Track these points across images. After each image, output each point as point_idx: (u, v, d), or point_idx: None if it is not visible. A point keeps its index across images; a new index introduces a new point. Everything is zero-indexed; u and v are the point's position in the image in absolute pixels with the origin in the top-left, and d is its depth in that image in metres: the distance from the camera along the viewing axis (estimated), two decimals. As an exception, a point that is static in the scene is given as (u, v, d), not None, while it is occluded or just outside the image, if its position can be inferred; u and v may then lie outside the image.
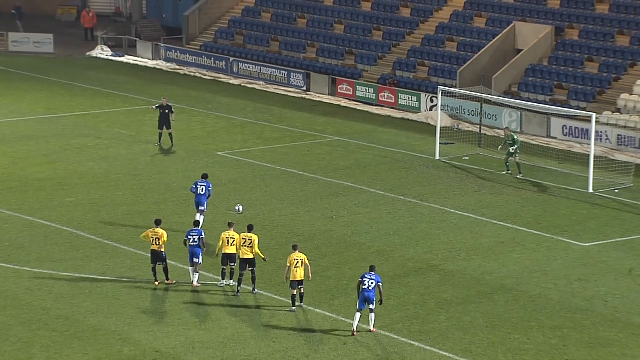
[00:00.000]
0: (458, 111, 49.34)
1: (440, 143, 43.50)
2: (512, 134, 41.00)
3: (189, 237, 29.37)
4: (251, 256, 28.71)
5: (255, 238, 28.85)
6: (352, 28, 58.56)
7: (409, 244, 32.93)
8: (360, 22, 58.74)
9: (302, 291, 27.93)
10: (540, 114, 46.73)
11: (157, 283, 29.43)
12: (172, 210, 35.44)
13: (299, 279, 27.75)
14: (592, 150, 39.27)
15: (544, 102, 48.27)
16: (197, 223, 29.77)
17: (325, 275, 30.06)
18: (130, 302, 28.29)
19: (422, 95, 51.39)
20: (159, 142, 44.28)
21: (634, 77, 48.02)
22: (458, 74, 51.81)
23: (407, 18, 57.47)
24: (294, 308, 27.81)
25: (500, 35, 52.60)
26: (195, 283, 29.26)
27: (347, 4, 60.27)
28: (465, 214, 35.99)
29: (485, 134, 46.19)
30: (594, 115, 40.00)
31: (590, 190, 38.78)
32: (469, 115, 48.98)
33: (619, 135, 44.76)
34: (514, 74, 50.92)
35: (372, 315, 26.58)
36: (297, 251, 27.96)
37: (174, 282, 29.53)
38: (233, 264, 29.03)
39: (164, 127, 44.13)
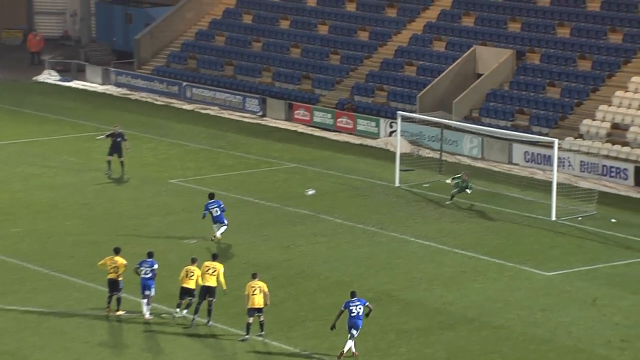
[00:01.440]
0: (418, 137, 49.61)
1: (400, 170, 43.68)
2: (468, 180, 40.33)
3: (142, 268, 29.28)
4: (214, 284, 28.78)
5: (220, 267, 28.98)
6: (309, 52, 58.80)
7: (369, 274, 33.01)
8: (317, 45, 59.01)
9: (262, 319, 27.92)
10: (502, 140, 47.09)
11: (108, 311, 29.28)
12: (123, 240, 35.25)
13: (256, 306, 27.80)
14: (555, 177, 39.63)
15: (505, 128, 48.67)
16: (150, 254, 29.70)
17: (282, 307, 30.04)
18: (79, 336, 28.06)
19: (381, 120, 51.63)
20: (109, 169, 44.05)
21: (595, 102, 48.59)
22: (418, 99, 52.15)
23: (365, 41, 57.83)
24: (247, 337, 27.78)
25: (460, 59, 53.07)
26: (147, 315, 29.14)
27: (303, 27, 60.55)
28: (426, 243, 36.15)
29: (445, 160, 46.46)
30: (556, 141, 40.40)
31: (553, 218, 39.10)
32: (429, 141, 49.25)
33: (581, 161, 45.21)
34: (475, 99, 51.35)
35: (350, 342, 26.83)
36: (255, 279, 28.04)
37: (124, 312, 29.39)
38: (191, 298, 29.01)
39: (115, 154, 43.94)
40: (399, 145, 44.45)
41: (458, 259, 34.60)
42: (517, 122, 49.53)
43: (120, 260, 29.41)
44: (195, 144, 50.17)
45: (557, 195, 39.34)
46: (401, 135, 45.71)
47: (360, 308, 26.75)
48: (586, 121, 47.58)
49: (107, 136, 44.42)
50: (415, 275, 32.92)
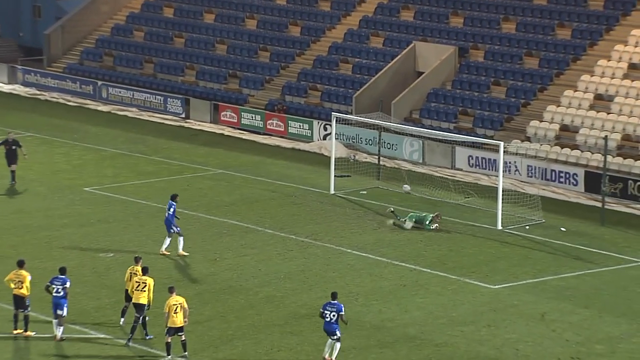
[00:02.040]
0: (354, 140, 49.82)
1: (335, 176, 43.78)
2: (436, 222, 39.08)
3: (53, 285, 29.03)
4: (144, 302, 28.74)
5: (150, 282, 28.94)
6: (236, 48, 58.79)
7: (302, 289, 33.08)
8: (245, 41, 59.02)
9: (184, 338, 27.83)
10: (444, 143, 47.45)
11: (16, 332, 28.99)
12: (32, 254, 34.89)
13: (178, 325, 27.73)
14: (501, 183, 40.01)
15: (448, 130, 49.07)
16: (62, 270, 29.47)
17: (208, 325, 29.98)
18: (-15, 360, 27.81)
19: (315, 122, 51.79)
20: (13, 180, 43.48)
21: (543, 103, 49.20)
22: (354, 99, 52.39)
23: (297, 37, 57.97)
24: (169, 357, 27.68)
25: (399, 56, 53.42)
26: (59, 336, 28.90)
27: (230, 22, 60.53)
28: (364, 254, 36.31)
29: (384, 165, 46.68)
30: (502, 144, 40.80)
31: (499, 227, 39.47)
32: (366, 144, 49.50)
33: (529, 166, 45.71)
34: (415, 99, 51.71)
35: (337, 345, 27.32)
36: (174, 294, 27.96)
37: (34, 333, 29.12)
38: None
39: (13, 164, 43.43)
40: (334, 149, 44.59)
41: (398, 272, 34.80)
42: (460, 124, 49.97)
43: (25, 273, 29.13)
44: (113, 148, 49.87)
45: (503, 202, 39.71)
46: (336, 139, 45.88)
47: (333, 315, 27.22)
48: (533, 123, 48.14)
49: (0, 144, 43.92)
50: (352, 290, 33.05)
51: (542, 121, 48.12)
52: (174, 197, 36.11)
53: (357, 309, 31.49)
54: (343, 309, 27.45)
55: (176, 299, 27.88)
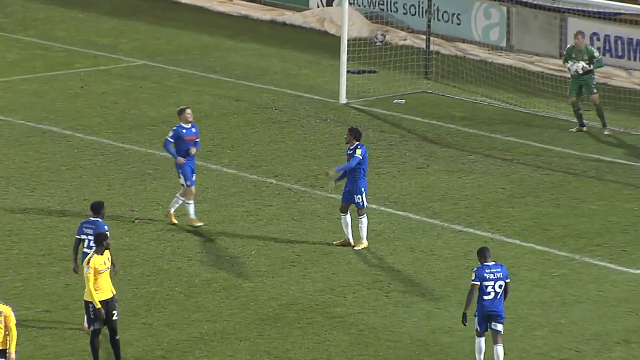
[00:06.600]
0: (383, 7, 49.82)
1: (349, 71, 44.18)
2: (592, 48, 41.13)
3: (83, 235, 29.58)
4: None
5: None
6: None
7: (288, 274, 33.21)
8: None
9: None
10: (546, 11, 47.57)
11: None
12: None
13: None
14: (649, 83, 40.29)
15: (554, -12, 49.11)
16: (97, 206, 29.83)
17: (121, 340, 29.99)
18: None
19: (312, -25, 51.99)
20: None
21: None
22: None
23: None
24: None
25: None
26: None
27: None
28: (400, 213, 36.57)
29: (438, 53, 46.97)
30: (652, 12, 41.03)
31: (646, 163, 39.96)
32: (403, 14, 49.56)
33: (700, 53, 45.97)
34: None
35: (499, 350, 28.40)
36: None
37: None
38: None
39: None
40: (347, 23, 44.53)
41: (462, 244, 35.01)
42: (575, -24, 50.03)
43: None
44: (-54, 21, 50.38)
45: (653, 118, 40.08)
46: (351, 4, 45.82)
47: (500, 284, 28.25)
48: None
49: None
50: (379, 277, 33.15)
51: None
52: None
53: (390, 310, 31.59)
54: (508, 274, 28.19)
55: None
